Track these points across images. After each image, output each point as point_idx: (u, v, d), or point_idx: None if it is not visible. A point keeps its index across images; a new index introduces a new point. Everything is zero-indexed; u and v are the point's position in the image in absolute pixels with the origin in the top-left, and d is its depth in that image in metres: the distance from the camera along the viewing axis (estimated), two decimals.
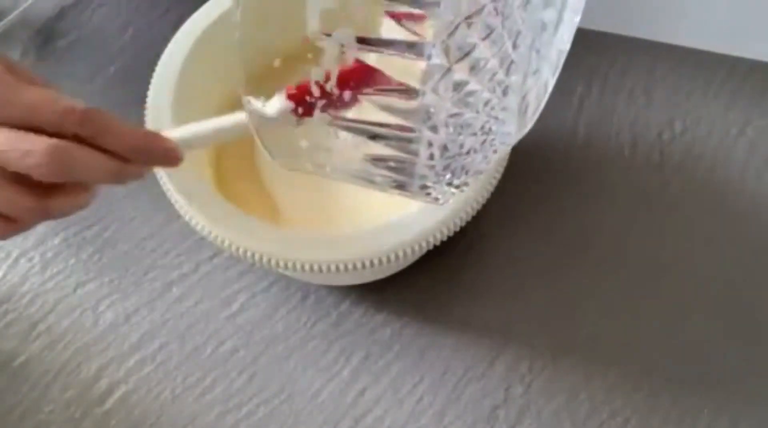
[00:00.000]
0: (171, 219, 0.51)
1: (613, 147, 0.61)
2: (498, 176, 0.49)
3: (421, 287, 0.56)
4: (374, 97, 0.36)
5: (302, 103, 0.38)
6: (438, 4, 0.33)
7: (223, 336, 0.56)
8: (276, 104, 0.38)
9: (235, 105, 0.40)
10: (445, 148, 0.37)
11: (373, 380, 0.54)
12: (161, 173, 0.49)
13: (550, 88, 0.42)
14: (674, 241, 0.57)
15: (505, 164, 0.49)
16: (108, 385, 0.55)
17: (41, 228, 0.60)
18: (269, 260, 0.47)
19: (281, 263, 0.47)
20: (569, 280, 0.56)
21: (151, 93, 0.52)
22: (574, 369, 0.53)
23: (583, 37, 0.65)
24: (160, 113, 0.51)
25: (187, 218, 0.49)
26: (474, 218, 0.48)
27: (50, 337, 0.56)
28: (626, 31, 0.65)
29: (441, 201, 0.41)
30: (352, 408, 0.53)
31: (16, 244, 0.60)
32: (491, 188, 0.49)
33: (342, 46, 0.35)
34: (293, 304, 0.57)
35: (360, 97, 0.37)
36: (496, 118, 0.38)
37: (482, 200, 0.48)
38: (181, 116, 0.51)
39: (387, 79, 0.35)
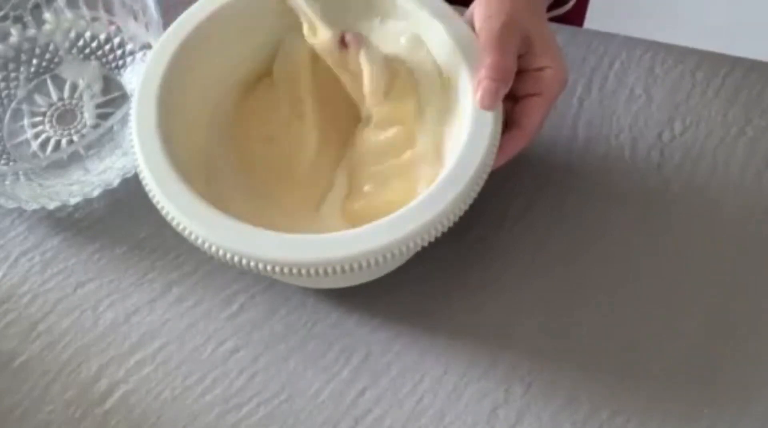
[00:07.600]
0: None
1: (613, 147, 0.61)
2: (484, 177, 0.49)
3: (421, 288, 0.56)
4: None
5: None
6: None
7: (223, 336, 0.56)
8: None
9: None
10: None
11: (373, 380, 0.54)
12: (150, 185, 0.49)
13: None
14: (674, 241, 0.57)
15: (490, 164, 0.49)
16: (108, 385, 0.55)
17: (41, 228, 0.60)
18: (256, 264, 0.47)
19: (268, 267, 0.47)
20: (570, 280, 0.56)
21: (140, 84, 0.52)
22: (575, 369, 0.53)
23: (583, 37, 0.66)
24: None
25: (174, 223, 0.49)
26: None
27: (50, 337, 0.56)
28: (626, 31, 0.65)
29: None
30: (352, 408, 0.53)
31: (16, 244, 0.60)
32: (478, 188, 0.49)
33: None
34: (293, 304, 0.57)
35: None
36: None
37: (469, 201, 0.48)
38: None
39: None
